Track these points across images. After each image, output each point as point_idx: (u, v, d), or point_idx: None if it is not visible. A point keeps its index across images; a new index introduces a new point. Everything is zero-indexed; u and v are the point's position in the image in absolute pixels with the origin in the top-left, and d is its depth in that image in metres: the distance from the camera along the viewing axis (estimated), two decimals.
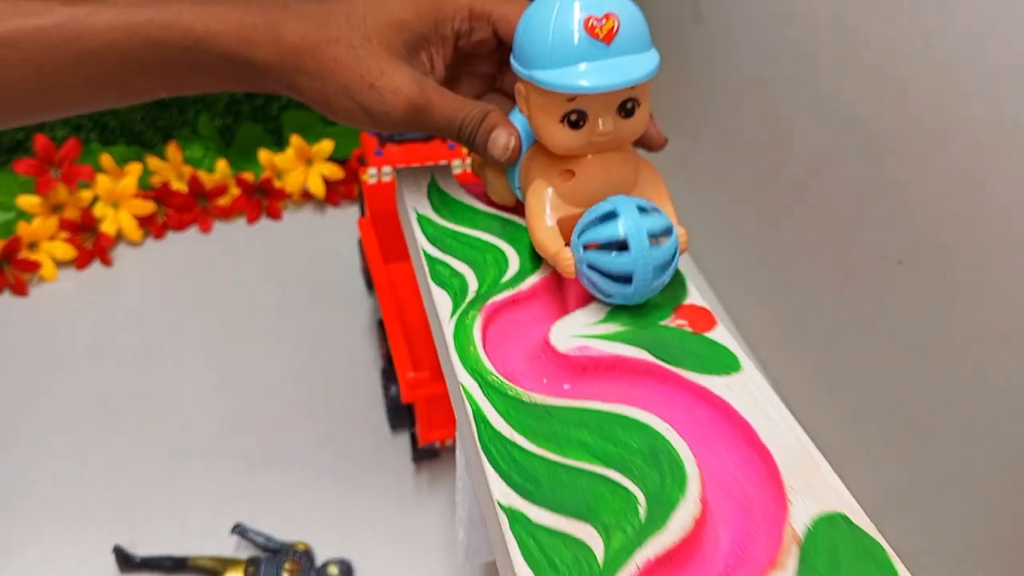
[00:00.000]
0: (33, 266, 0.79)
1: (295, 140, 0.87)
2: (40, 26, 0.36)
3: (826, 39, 0.59)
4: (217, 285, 0.82)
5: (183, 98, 0.88)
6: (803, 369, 0.68)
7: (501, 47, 0.42)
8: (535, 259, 0.40)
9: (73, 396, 0.69)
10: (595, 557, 0.27)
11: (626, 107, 0.37)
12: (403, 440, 0.67)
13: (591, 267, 0.36)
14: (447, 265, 0.40)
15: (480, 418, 0.32)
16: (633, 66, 0.35)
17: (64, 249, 0.81)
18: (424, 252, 0.41)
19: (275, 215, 0.90)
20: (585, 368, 0.34)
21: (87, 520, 0.60)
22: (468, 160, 0.70)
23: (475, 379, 0.33)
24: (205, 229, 0.88)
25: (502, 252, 0.40)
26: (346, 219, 0.91)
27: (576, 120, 0.36)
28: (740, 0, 0.71)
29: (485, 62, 0.44)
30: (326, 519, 0.60)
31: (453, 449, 0.64)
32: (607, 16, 0.35)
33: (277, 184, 0.89)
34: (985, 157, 0.46)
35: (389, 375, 0.67)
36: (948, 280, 0.50)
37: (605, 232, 0.35)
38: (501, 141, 0.39)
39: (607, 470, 0.30)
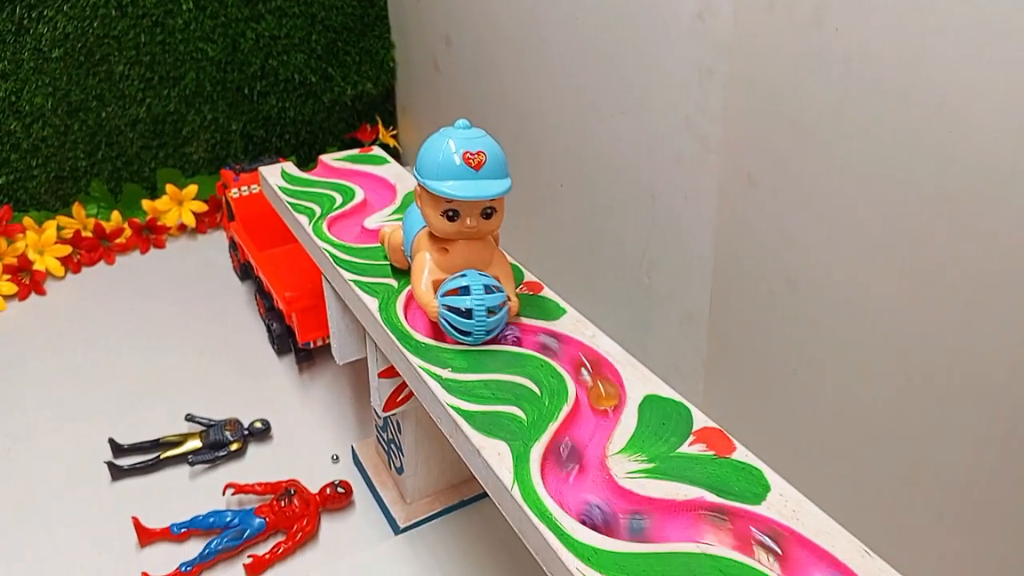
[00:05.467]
0: None
1: (170, 188, 1.21)
2: None
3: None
4: (125, 300, 1.13)
5: (75, 171, 1.19)
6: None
7: None
8: None
9: (41, 380, 0.98)
10: (523, 421, 0.45)
11: (486, 212, 0.51)
12: (287, 360, 1.01)
13: (445, 320, 0.51)
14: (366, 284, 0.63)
15: (433, 375, 0.49)
16: (492, 186, 0.49)
17: (8, 287, 1.09)
18: (351, 282, 0.63)
19: (160, 245, 1.22)
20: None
21: (85, 430, 0.90)
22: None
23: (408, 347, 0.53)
24: (110, 262, 1.19)
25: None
26: (214, 240, 1.24)
27: (452, 216, 0.50)
28: (465, 59, 1.10)
29: None
30: (245, 405, 0.93)
31: (324, 350, 0.98)
32: (479, 152, 0.49)
33: (159, 222, 1.21)
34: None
35: (270, 319, 1.01)
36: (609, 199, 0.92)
37: (460, 302, 0.49)
38: None
39: (524, 380, 0.48)
